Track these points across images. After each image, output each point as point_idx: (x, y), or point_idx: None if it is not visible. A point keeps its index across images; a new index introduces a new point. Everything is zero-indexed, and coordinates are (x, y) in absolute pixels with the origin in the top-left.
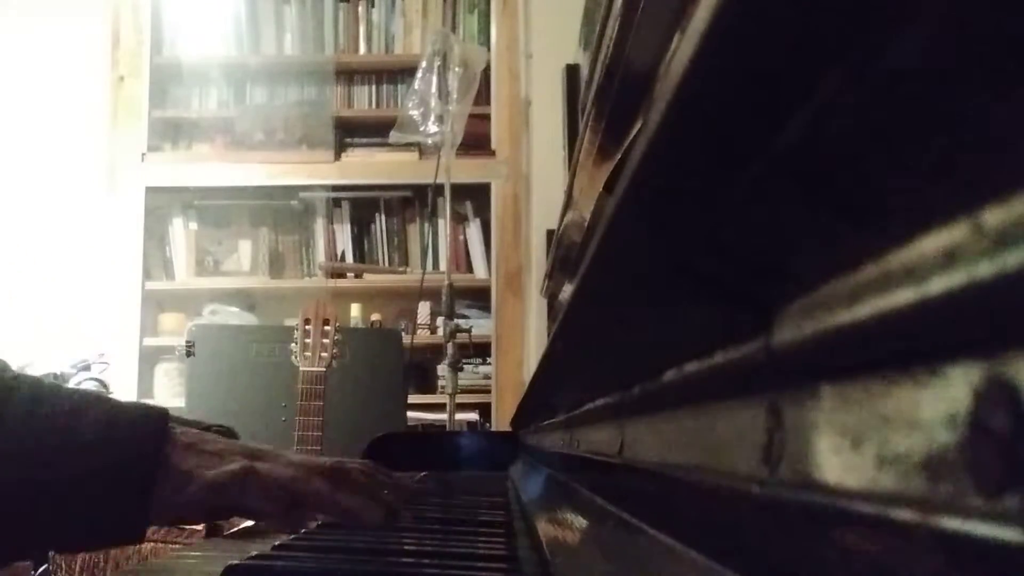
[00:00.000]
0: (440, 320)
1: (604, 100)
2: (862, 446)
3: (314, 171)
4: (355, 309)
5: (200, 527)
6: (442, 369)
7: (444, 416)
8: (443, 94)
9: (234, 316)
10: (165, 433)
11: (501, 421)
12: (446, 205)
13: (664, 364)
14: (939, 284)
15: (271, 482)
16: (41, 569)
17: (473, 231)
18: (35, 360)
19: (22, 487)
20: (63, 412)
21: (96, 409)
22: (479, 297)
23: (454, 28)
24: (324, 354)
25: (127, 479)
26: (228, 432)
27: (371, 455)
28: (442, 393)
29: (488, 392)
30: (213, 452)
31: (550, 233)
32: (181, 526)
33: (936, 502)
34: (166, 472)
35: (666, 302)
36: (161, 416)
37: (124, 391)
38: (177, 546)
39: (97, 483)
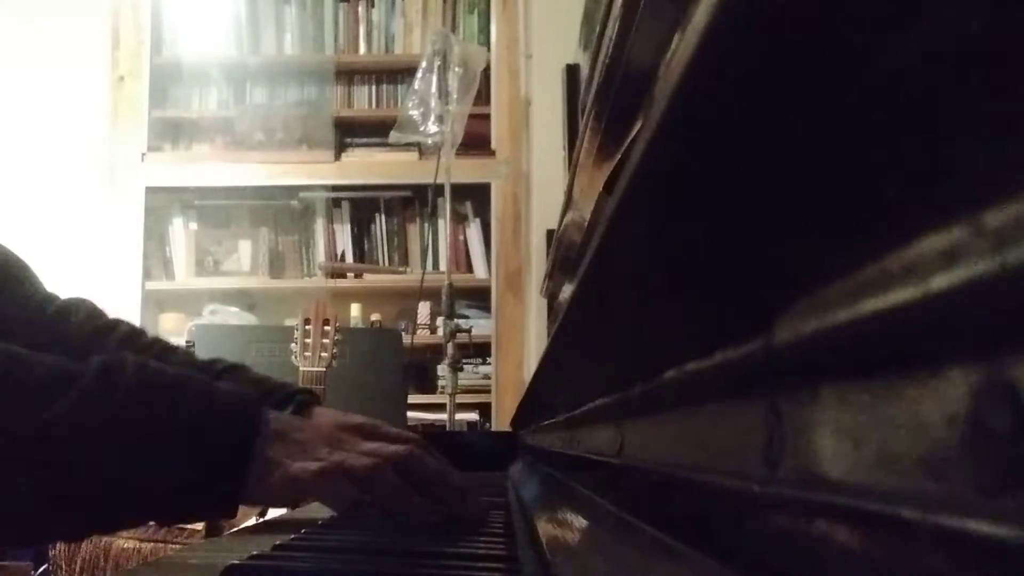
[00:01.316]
0: (440, 320)
1: (604, 100)
2: (862, 446)
3: (314, 171)
4: (355, 309)
5: (200, 527)
6: (442, 369)
7: (444, 416)
8: (443, 94)
9: (234, 316)
10: (257, 421)
11: (501, 421)
12: (446, 205)
13: (664, 364)
14: (939, 284)
15: (348, 481)
16: (41, 569)
17: (473, 231)
18: None
19: (124, 462)
20: (164, 395)
21: (194, 393)
22: (479, 297)
23: (454, 28)
24: (324, 354)
25: (220, 463)
26: (311, 395)
27: None
28: (442, 393)
29: (488, 392)
30: (300, 441)
31: (550, 233)
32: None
33: (936, 502)
34: (255, 460)
35: (666, 302)
36: (254, 404)
37: None
38: (177, 546)
39: (192, 465)
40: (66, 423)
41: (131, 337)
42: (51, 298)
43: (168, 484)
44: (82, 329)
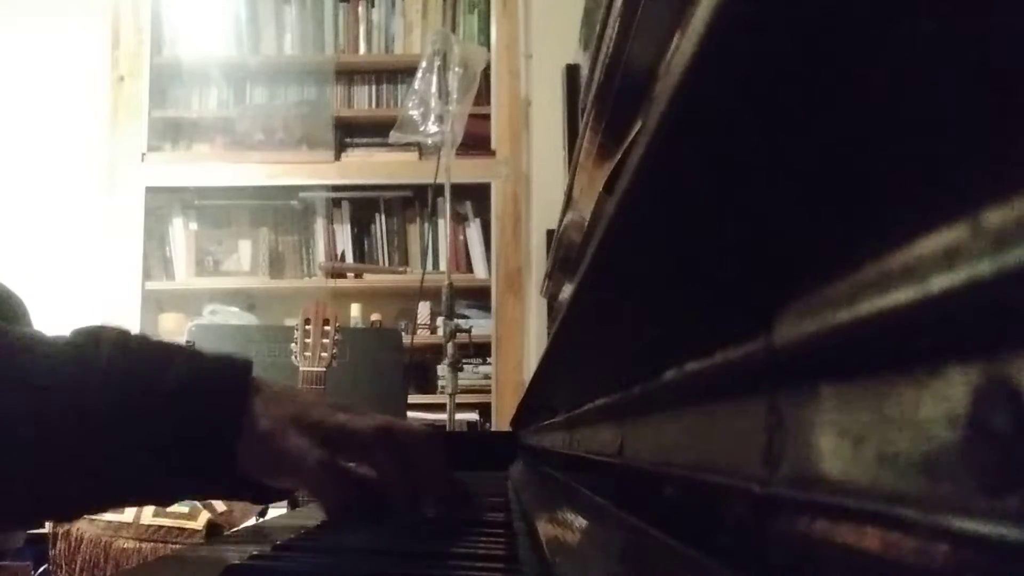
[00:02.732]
0: (440, 320)
1: (604, 100)
2: (862, 446)
3: (314, 171)
4: (355, 309)
5: (200, 527)
6: (442, 369)
7: (444, 416)
8: (443, 94)
9: (234, 316)
10: (248, 385)
11: (501, 421)
12: (446, 205)
13: (664, 364)
14: (939, 284)
15: (347, 479)
16: (41, 569)
17: (473, 231)
18: None
19: (106, 435)
20: (148, 362)
21: (181, 359)
22: (479, 297)
23: (454, 28)
24: (324, 354)
25: (210, 431)
26: None
27: None
28: (442, 393)
29: (488, 392)
30: (296, 404)
31: (550, 233)
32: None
33: (936, 502)
34: (249, 426)
35: (666, 302)
36: (245, 367)
37: None
38: (177, 546)
39: (180, 433)
40: (41, 390)
41: None
42: None
43: (156, 446)
44: None
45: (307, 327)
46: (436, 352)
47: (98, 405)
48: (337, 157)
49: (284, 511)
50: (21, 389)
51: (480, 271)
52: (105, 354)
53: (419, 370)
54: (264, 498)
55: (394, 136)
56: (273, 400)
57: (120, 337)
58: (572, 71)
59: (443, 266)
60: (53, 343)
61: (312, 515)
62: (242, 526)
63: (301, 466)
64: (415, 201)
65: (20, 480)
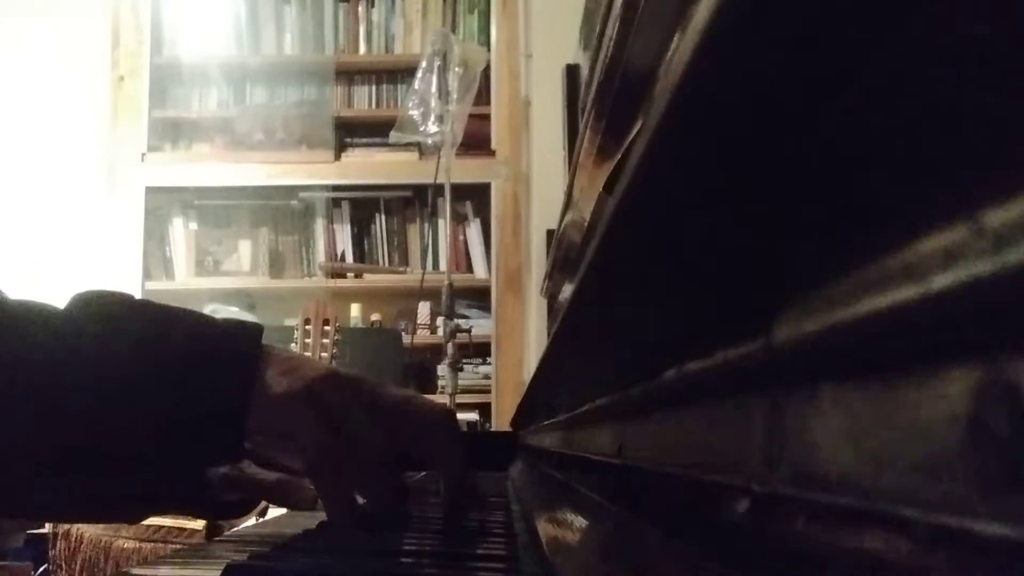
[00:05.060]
0: (440, 320)
1: (604, 100)
2: (862, 446)
3: (314, 171)
4: (355, 309)
5: (200, 527)
6: (442, 369)
7: None
8: (443, 94)
9: (234, 316)
10: (259, 354)
11: (501, 421)
12: (446, 205)
13: (664, 364)
14: (939, 284)
15: (342, 483)
16: (41, 569)
17: (473, 231)
18: None
19: (109, 403)
20: (153, 324)
21: (185, 326)
22: (479, 297)
23: (454, 28)
24: (324, 354)
25: (219, 396)
26: None
27: None
28: (442, 393)
29: (488, 392)
30: (311, 391)
31: (550, 233)
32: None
33: (936, 502)
34: (258, 400)
35: (666, 302)
36: (255, 333)
37: None
38: (177, 546)
39: (188, 398)
40: (33, 364)
41: None
42: None
43: (158, 418)
44: None
45: (307, 327)
46: (436, 352)
47: (95, 376)
48: (337, 157)
49: (283, 511)
50: (10, 365)
51: (480, 271)
52: (98, 324)
53: (419, 370)
54: (223, 515)
55: (394, 136)
56: (286, 372)
57: (121, 302)
58: (572, 71)
59: (443, 266)
60: (49, 314)
61: (313, 515)
62: (242, 526)
63: (305, 453)
64: (415, 201)
65: (17, 468)
